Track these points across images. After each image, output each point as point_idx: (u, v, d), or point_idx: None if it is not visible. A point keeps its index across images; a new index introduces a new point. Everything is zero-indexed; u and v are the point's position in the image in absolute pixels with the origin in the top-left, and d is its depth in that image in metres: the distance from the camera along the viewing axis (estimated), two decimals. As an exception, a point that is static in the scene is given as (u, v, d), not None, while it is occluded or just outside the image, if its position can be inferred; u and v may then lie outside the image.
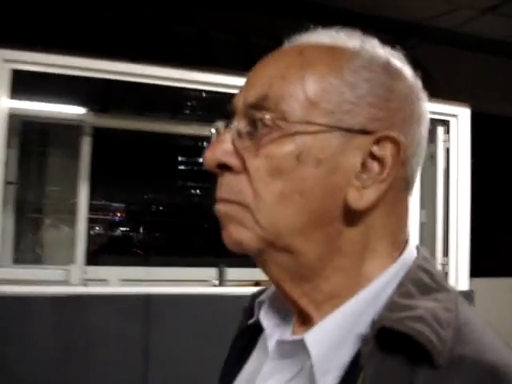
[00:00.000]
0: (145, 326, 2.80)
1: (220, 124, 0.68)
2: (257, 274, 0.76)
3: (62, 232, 4.59)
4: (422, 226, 3.94)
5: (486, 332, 0.61)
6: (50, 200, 4.60)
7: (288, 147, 0.61)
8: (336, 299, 0.65)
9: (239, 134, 0.64)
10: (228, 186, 0.65)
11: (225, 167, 0.65)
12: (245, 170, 0.63)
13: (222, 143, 0.65)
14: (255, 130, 0.63)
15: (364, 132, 0.62)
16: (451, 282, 3.98)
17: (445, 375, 0.55)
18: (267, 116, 0.62)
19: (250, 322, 0.77)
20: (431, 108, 3.90)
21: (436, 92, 4.17)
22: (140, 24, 3.84)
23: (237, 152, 0.64)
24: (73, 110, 4.12)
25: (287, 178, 0.61)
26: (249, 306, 0.79)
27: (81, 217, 4.30)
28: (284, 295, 0.69)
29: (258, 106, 0.63)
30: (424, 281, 0.63)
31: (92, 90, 4.02)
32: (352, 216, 0.63)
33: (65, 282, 4.04)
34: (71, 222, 4.42)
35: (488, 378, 0.54)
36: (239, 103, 0.66)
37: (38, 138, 4.43)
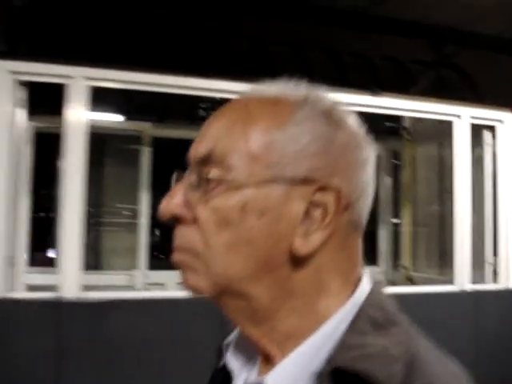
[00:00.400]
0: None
1: (177, 175, 0.71)
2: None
3: (123, 238, 4.77)
4: (473, 227, 4.04)
5: (436, 364, 0.63)
6: (110, 208, 4.79)
7: (233, 200, 0.64)
8: (294, 339, 0.66)
9: (191, 186, 0.67)
10: (181, 236, 0.68)
11: (178, 219, 0.68)
12: (195, 221, 0.66)
13: (174, 196, 0.68)
14: (204, 183, 0.65)
15: (306, 182, 0.64)
16: (501, 280, 4.11)
17: None
18: (213, 171, 0.65)
19: (220, 364, 0.79)
20: (476, 113, 4.05)
21: (481, 97, 4.27)
22: (200, 39, 4.01)
23: (188, 204, 0.66)
24: (132, 121, 4.31)
25: (234, 228, 0.64)
26: (219, 347, 0.80)
27: (142, 224, 4.49)
28: (246, 337, 0.71)
29: (205, 160, 0.66)
30: (376, 318, 0.65)
31: (150, 102, 4.20)
32: (299, 260, 0.65)
33: (129, 287, 4.22)
34: (132, 228, 4.60)
35: None
36: (191, 156, 0.69)
37: (96, 148, 4.63)
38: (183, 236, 0.67)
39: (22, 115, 3.33)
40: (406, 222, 5.15)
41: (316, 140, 0.65)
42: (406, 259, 5.12)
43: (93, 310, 3.09)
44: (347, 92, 3.68)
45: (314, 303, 0.66)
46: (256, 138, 0.65)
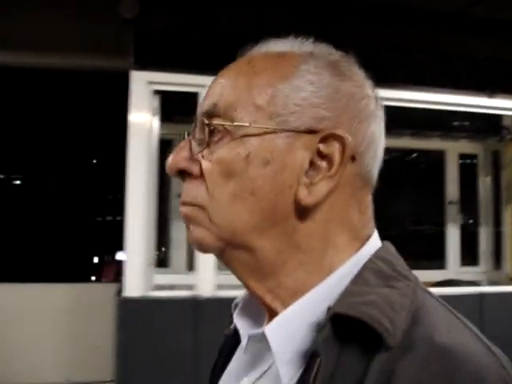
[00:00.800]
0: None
1: (186, 131, 0.71)
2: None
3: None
4: None
5: (440, 315, 0.62)
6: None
7: (237, 150, 0.64)
8: (300, 294, 0.65)
9: (197, 141, 0.67)
10: (188, 190, 0.68)
11: (185, 173, 0.68)
12: (201, 174, 0.66)
13: (181, 150, 0.68)
14: (209, 136, 0.66)
15: (310, 132, 0.64)
16: None
17: (396, 356, 0.56)
18: (217, 122, 0.65)
19: (231, 327, 0.78)
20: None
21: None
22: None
23: (194, 158, 0.67)
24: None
25: (238, 179, 0.64)
26: (232, 311, 0.78)
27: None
28: (251, 293, 0.70)
29: (210, 113, 0.66)
30: (383, 270, 0.64)
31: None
32: (305, 212, 0.64)
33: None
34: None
35: (435, 357, 0.55)
36: (198, 112, 0.69)
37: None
38: (190, 190, 0.67)
39: (156, 123, 3.53)
40: (508, 222, 5.12)
41: (320, 91, 0.65)
42: (508, 259, 5.08)
43: (228, 308, 3.24)
44: (460, 94, 3.73)
45: (321, 257, 0.65)
46: (259, 90, 0.65)
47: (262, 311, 0.72)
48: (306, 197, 0.63)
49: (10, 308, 4.30)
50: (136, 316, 3.22)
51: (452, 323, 0.61)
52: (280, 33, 0.72)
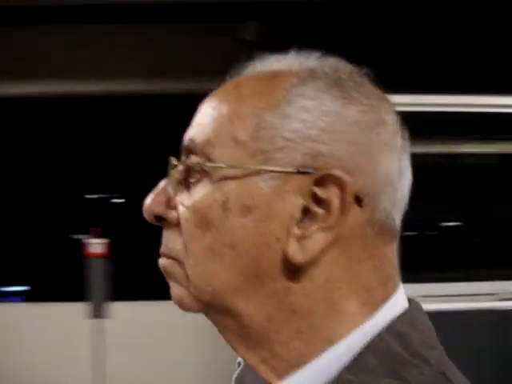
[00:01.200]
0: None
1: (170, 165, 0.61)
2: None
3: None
4: None
5: None
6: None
7: (213, 195, 0.54)
8: (297, 367, 0.54)
9: (175, 182, 0.58)
10: (165, 239, 0.59)
11: (161, 220, 0.59)
12: (179, 222, 0.57)
13: (159, 193, 0.59)
14: (187, 178, 0.57)
15: (302, 172, 0.53)
16: None
17: None
18: (193, 161, 0.56)
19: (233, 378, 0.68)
20: None
21: None
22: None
23: (171, 202, 0.58)
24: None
25: (215, 230, 0.54)
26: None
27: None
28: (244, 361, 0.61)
29: (188, 150, 0.57)
30: (392, 350, 0.52)
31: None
32: (299, 270, 0.53)
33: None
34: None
35: None
36: (181, 147, 0.60)
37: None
38: (167, 240, 0.58)
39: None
40: None
41: (317, 120, 0.54)
42: None
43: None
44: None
45: (322, 325, 0.54)
46: (242, 121, 0.54)
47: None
48: (297, 253, 0.52)
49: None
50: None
51: None
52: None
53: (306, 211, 0.53)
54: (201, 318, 0.61)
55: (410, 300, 0.58)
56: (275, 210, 0.53)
